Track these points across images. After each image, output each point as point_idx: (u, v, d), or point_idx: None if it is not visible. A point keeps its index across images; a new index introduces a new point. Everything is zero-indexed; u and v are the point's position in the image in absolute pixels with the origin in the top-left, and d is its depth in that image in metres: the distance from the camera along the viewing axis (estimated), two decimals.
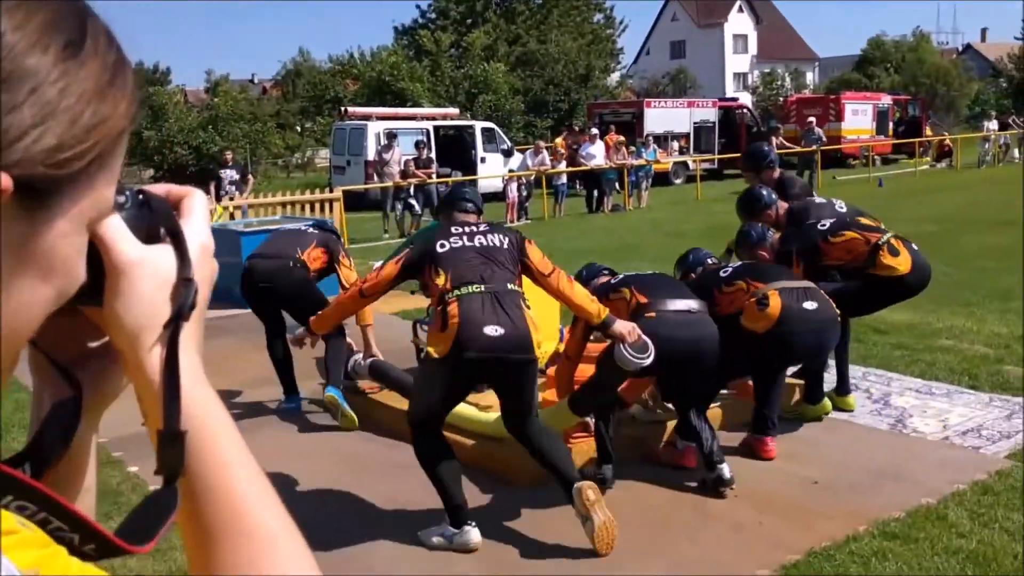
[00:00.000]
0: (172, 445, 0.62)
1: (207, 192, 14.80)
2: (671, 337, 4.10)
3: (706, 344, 4.23)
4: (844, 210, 5.66)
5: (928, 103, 40.33)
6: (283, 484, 4.77)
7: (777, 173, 6.28)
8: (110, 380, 0.69)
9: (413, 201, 16.82)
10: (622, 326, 3.99)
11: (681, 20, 69.56)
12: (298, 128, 40.58)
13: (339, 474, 4.89)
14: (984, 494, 4.24)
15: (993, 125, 29.46)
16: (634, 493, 4.51)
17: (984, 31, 77.05)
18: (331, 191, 16.51)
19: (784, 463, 4.82)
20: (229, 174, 16.04)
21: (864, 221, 5.46)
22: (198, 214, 0.68)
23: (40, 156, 0.50)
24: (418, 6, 40.33)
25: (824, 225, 5.26)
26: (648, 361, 3.95)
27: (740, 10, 68.29)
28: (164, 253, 0.64)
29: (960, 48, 70.82)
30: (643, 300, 4.29)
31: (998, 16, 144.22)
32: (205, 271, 0.66)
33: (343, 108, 24.71)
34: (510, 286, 3.92)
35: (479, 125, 24.51)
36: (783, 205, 5.78)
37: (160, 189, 0.69)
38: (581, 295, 4.14)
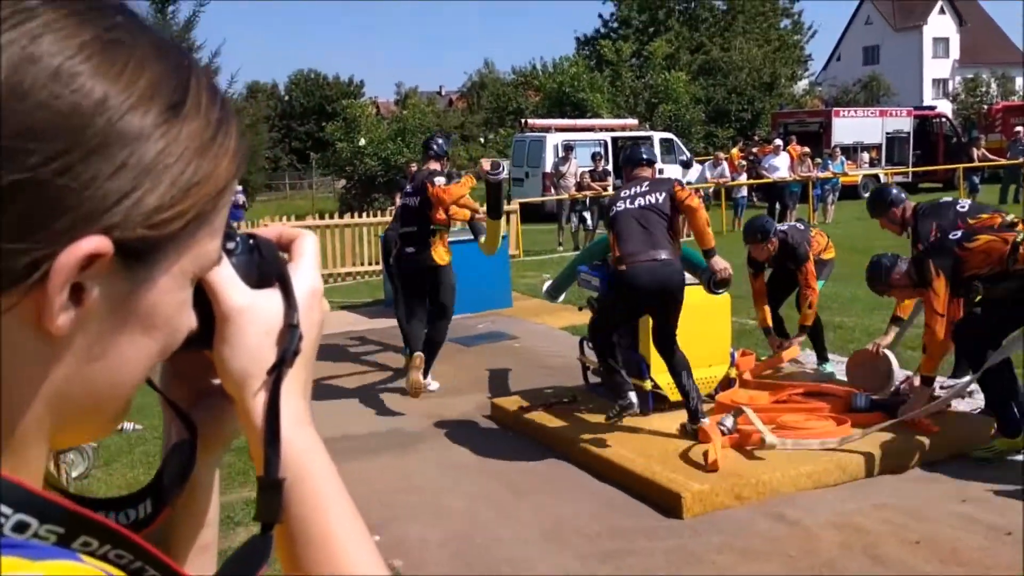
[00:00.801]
0: (270, 492, 0.62)
1: (391, 203, 15.43)
2: (640, 281, 5.09)
3: (671, 285, 5.19)
4: (966, 209, 5.68)
5: None
6: (437, 499, 4.87)
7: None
8: (228, 419, 0.70)
9: (587, 214, 16.84)
10: None
11: (875, 23, 66.22)
12: (481, 139, 41.60)
13: (498, 493, 4.94)
14: None
15: None
16: (803, 531, 4.30)
17: None
18: (509, 203, 16.80)
19: (973, 509, 4.46)
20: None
21: (987, 218, 5.37)
22: (308, 257, 0.68)
23: (140, 218, 0.51)
24: (600, 15, 40.44)
25: (956, 235, 5.20)
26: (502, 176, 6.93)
27: (941, 11, 64.26)
28: (271, 298, 0.64)
29: None
30: (617, 253, 5.16)
31: None
32: (313, 316, 0.66)
33: (523, 120, 25.07)
34: None
35: (657, 136, 24.24)
36: (909, 204, 5.97)
37: (272, 232, 0.69)
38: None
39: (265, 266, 0.65)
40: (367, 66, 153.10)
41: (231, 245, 0.64)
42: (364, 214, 15.28)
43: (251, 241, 0.66)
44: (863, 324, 8.60)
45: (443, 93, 66.81)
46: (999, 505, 4.47)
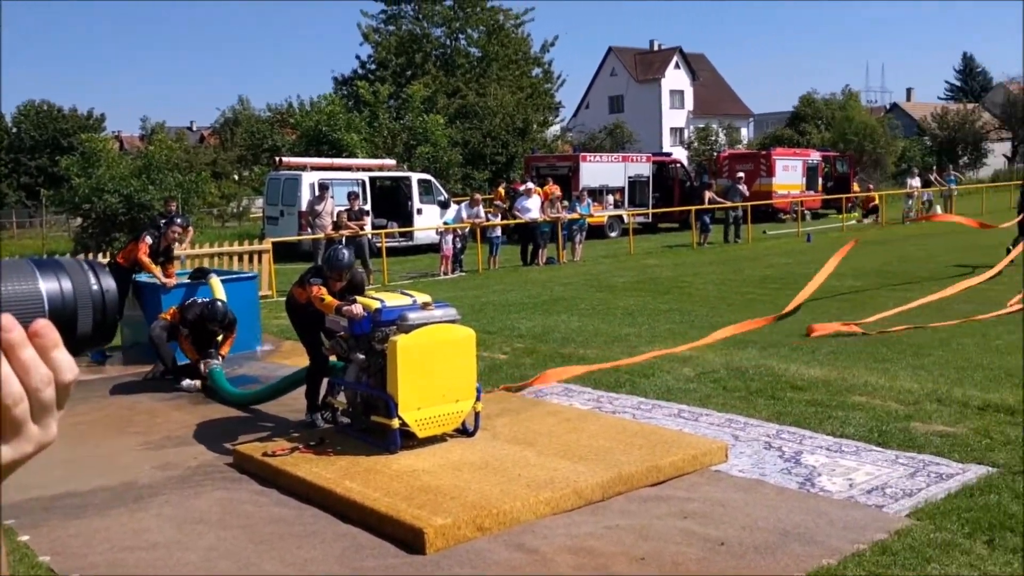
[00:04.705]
0: None
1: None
2: None
3: None
4: None
5: (856, 159, 41.66)
6: (172, 555, 4.61)
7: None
8: None
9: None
10: None
11: (620, 75, 71.14)
12: (235, 177, 40.35)
13: (239, 543, 4.75)
14: (883, 554, 4.28)
15: (916, 182, 30.52)
16: (540, 558, 4.45)
17: (909, 91, 80.00)
18: (262, 241, 16.35)
19: (693, 523, 4.82)
20: None
21: None
22: None
23: None
24: (358, 57, 40.57)
25: None
26: None
27: (677, 66, 70.12)
28: None
29: (887, 107, 73.41)
30: None
31: (923, 76, 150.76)
32: None
33: (278, 158, 24.59)
34: None
35: (415, 176, 24.58)
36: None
37: None
38: None
39: None
40: (109, 99, 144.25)
41: None
42: (101, 254, 14.30)
43: None
44: (604, 355, 9.09)
45: (195, 128, 64.29)
46: (715, 519, 4.85)
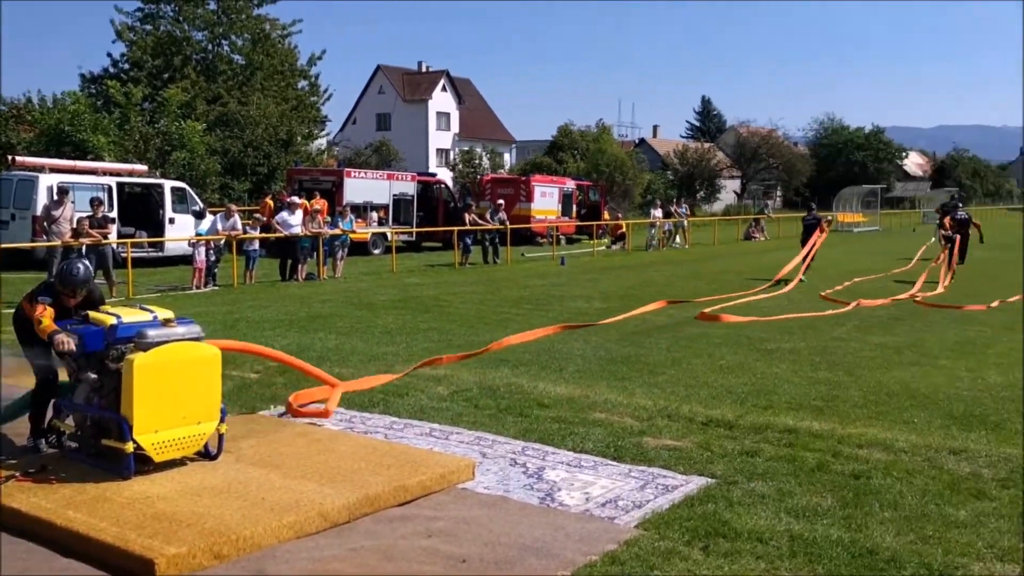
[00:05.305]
0: None
1: None
2: None
3: None
4: None
5: (607, 189, 44.28)
6: None
7: None
8: None
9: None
10: None
11: (388, 93, 71.39)
12: None
13: None
14: (612, 564, 4.54)
15: (659, 213, 32.83)
16: None
17: (656, 128, 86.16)
18: None
19: (437, 541, 4.88)
20: None
21: None
22: None
23: None
24: (110, 55, 37.92)
25: None
26: None
27: (444, 89, 71.39)
28: None
29: (636, 141, 78.54)
30: None
31: (667, 115, 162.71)
32: None
33: (11, 156, 22.54)
34: None
35: (169, 184, 23.35)
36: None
37: None
38: None
39: None
40: None
41: None
42: None
43: None
44: (361, 374, 9.04)
45: None
46: (459, 536, 4.94)
